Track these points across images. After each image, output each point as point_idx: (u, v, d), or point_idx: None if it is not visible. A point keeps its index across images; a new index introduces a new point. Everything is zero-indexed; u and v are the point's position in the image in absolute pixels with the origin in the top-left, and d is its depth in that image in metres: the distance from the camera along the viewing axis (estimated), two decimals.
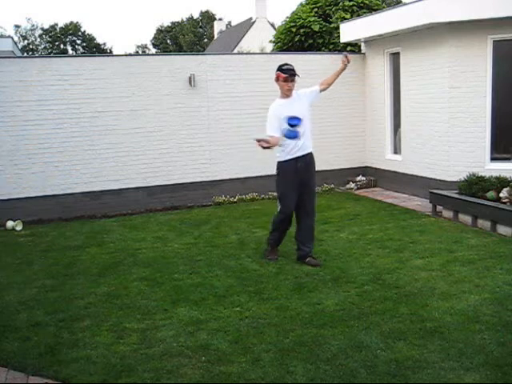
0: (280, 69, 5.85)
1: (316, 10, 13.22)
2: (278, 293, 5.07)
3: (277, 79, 5.87)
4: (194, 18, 60.65)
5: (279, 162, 5.97)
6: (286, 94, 5.89)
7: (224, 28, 50.45)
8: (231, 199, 9.86)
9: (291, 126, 5.77)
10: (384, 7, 12.96)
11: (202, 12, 60.61)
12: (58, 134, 8.95)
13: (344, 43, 11.93)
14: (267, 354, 3.86)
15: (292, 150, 5.83)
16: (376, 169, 10.82)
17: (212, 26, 55.34)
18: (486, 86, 8.38)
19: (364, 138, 11.00)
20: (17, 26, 58.47)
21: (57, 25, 58.75)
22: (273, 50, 15.08)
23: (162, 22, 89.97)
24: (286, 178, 5.91)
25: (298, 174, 5.87)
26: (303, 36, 12.99)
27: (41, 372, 3.76)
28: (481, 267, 5.56)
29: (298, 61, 10.33)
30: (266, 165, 10.24)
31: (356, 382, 3.46)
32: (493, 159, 8.52)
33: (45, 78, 8.83)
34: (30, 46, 57.67)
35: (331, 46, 12.74)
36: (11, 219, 8.46)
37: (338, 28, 11.99)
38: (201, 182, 9.89)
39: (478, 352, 3.76)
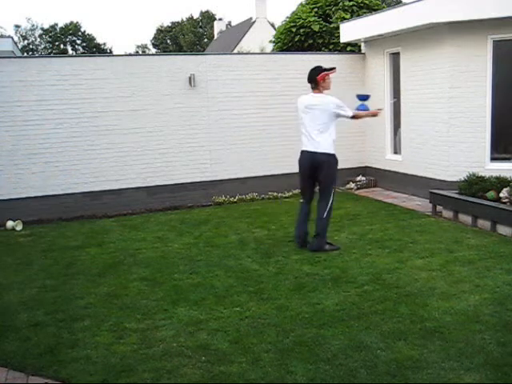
0: (326, 69, 6.37)
1: (316, 10, 13.21)
2: (277, 293, 5.07)
3: (323, 79, 6.34)
4: (194, 18, 60.61)
5: (334, 155, 6.31)
6: (330, 88, 6.51)
7: (224, 28, 50.39)
8: (231, 199, 9.86)
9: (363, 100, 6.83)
10: (384, 7, 12.96)
11: (202, 12, 60.59)
12: (58, 134, 8.96)
13: (344, 43, 11.93)
14: (267, 354, 3.86)
15: None
16: (376, 169, 10.82)
17: (212, 26, 55.32)
18: (486, 85, 8.38)
19: (364, 138, 11.00)
20: (17, 26, 58.47)
21: (57, 25, 58.73)
22: (273, 50, 15.07)
23: (161, 22, 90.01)
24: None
25: None
26: (303, 36, 12.99)
27: (41, 372, 3.76)
28: (481, 267, 5.56)
29: (297, 61, 10.42)
30: (265, 165, 10.29)
31: (356, 382, 3.46)
32: (493, 159, 8.52)
33: (45, 78, 8.83)
34: (30, 46, 57.62)
35: (331, 46, 12.74)
36: (11, 219, 8.46)
37: (338, 28, 11.99)
38: (201, 182, 9.89)
39: (478, 352, 3.76)
